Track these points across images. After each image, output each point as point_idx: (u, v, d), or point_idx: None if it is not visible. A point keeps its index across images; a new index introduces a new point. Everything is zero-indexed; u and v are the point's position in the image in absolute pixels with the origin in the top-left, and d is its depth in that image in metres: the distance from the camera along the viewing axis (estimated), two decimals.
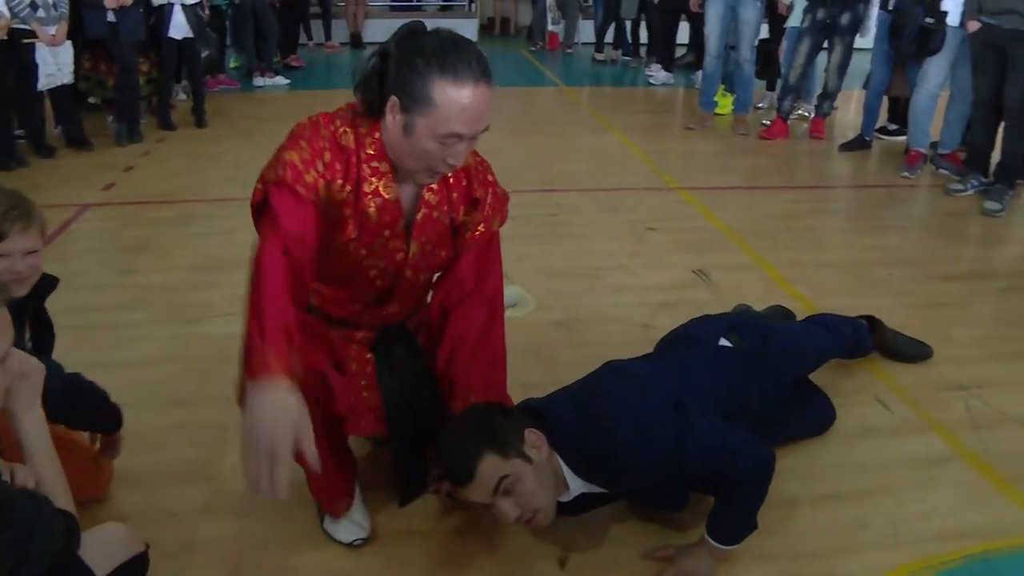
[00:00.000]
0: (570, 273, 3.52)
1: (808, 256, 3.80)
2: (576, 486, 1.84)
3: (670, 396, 1.85)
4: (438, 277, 1.95)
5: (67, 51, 5.04)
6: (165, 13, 5.70)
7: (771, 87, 7.00)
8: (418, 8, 11.44)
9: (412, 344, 1.98)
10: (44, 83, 4.94)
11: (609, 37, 9.62)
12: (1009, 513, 2.11)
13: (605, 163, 5.35)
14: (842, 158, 5.63)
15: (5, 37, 4.69)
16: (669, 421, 1.79)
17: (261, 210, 1.66)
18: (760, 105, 6.91)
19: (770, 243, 3.91)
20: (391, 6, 11.21)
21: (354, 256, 1.75)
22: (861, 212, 4.59)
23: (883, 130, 6.01)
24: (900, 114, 5.87)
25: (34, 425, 1.47)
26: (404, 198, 1.75)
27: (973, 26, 4.51)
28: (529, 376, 2.51)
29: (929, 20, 4.83)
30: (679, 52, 8.77)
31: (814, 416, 2.40)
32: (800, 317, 2.81)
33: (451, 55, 1.56)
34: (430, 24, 1.67)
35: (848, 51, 5.71)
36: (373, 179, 1.69)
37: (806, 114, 6.44)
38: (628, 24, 9.48)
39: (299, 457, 1.88)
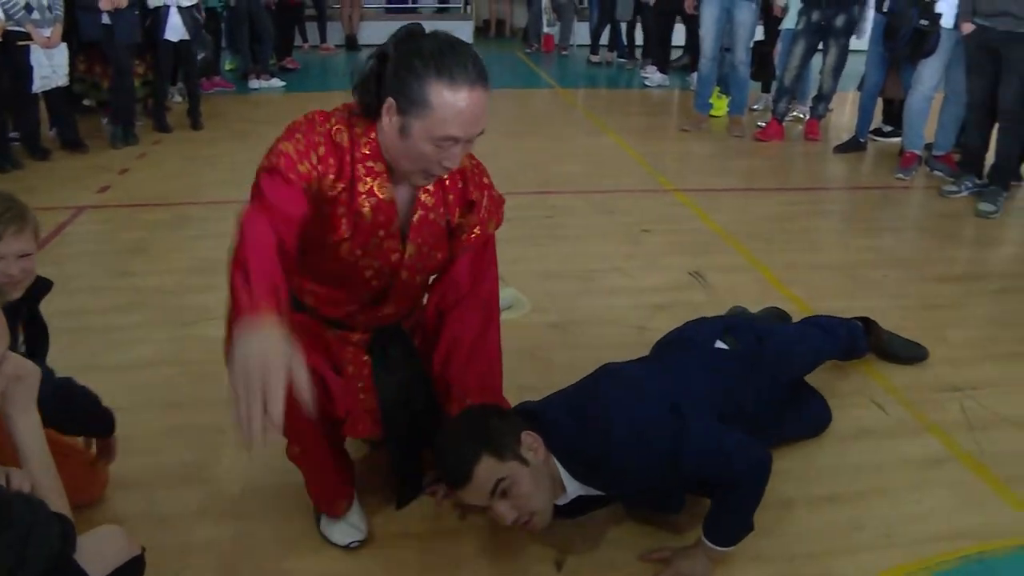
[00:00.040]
0: (565, 275, 3.52)
1: (803, 258, 3.80)
2: (573, 489, 1.85)
3: (666, 398, 1.85)
4: (434, 279, 1.95)
5: (62, 53, 5.02)
6: (161, 15, 5.70)
7: (766, 89, 7.01)
8: (413, 10, 11.44)
9: (408, 346, 1.98)
10: (39, 85, 4.93)
11: (604, 39, 9.63)
12: (1004, 514, 2.12)
13: (600, 165, 5.36)
14: (837, 160, 5.64)
15: (0, 39, 4.68)
16: (665, 423, 1.79)
17: None
18: (755, 107, 6.92)
19: (765, 245, 3.91)
20: (386, 8, 11.22)
21: (349, 256, 1.75)
22: (856, 214, 4.60)
23: (878, 132, 6.02)
24: (895, 116, 5.88)
25: (29, 428, 1.47)
26: (399, 199, 1.75)
27: (967, 28, 4.52)
28: (525, 378, 2.51)
29: (923, 22, 4.85)
30: (674, 54, 8.78)
31: (810, 418, 2.40)
32: (795, 319, 2.82)
33: (448, 58, 1.56)
34: (426, 26, 1.67)
35: (843, 53, 5.72)
36: (368, 179, 1.69)
37: (801, 116, 6.46)
38: (624, 26, 9.49)
39: (298, 458, 1.89)
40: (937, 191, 4.84)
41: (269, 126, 1.76)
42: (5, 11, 4.70)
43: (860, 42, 5.79)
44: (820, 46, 5.85)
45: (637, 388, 1.91)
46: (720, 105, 6.60)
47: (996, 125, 4.63)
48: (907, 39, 4.96)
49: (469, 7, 11.52)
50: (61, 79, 5.07)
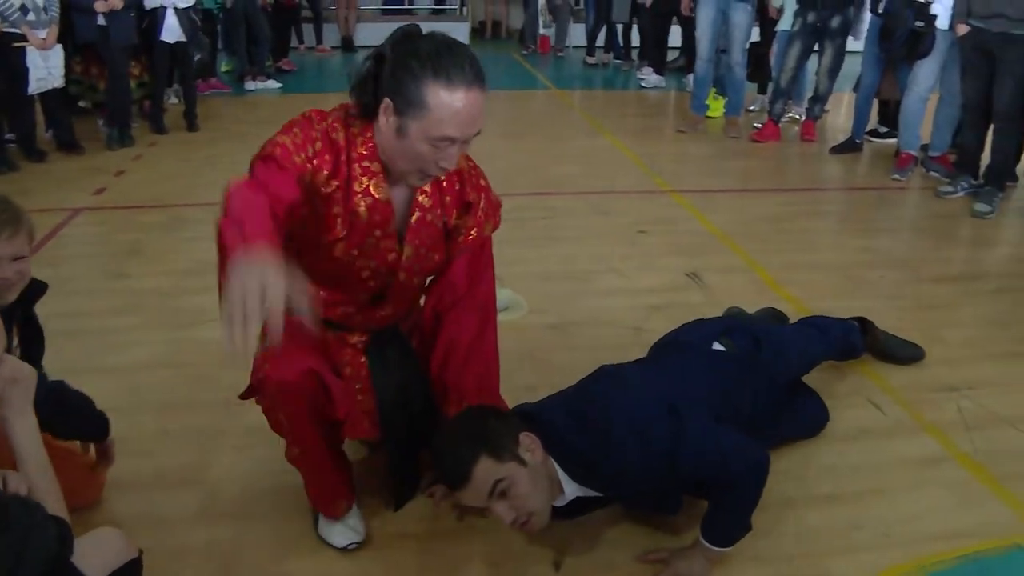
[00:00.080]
0: (563, 276, 3.53)
1: (800, 258, 3.81)
2: (571, 490, 1.85)
3: (664, 400, 1.85)
4: (431, 281, 1.95)
5: (57, 55, 5.02)
6: (158, 17, 5.69)
7: (762, 90, 7.02)
8: (409, 12, 11.44)
9: (406, 347, 1.98)
10: (35, 87, 4.92)
11: (601, 40, 9.64)
12: (1001, 513, 2.12)
13: (597, 166, 5.36)
14: (833, 160, 5.65)
15: None
16: (663, 425, 1.79)
17: None
18: (751, 108, 6.93)
19: (762, 245, 3.92)
20: (382, 9, 11.22)
21: (345, 256, 1.75)
22: (852, 214, 4.61)
23: (874, 133, 6.04)
24: (890, 117, 5.90)
25: (26, 431, 1.47)
26: (396, 199, 1.75)
27: (962, 30, 4.54)
28: (522, 379, 2.52)
29: (919, 23, 4.86)
30: (671, 55, 8.79)
31: (807, 418, 2.41)
32: (792, 319, 2.82)
33: (445, 59, 1.56)
34: (422, 27, 1.67)
35: (839, 54, 5.73)
36: (364, 178, 1.69)
37: (797, 117, 6.47)
38: (620, 27, 9.50)
39: (298, 460, 1.88)
40: (933, 192, 4.85)
41: (265, 127, 1.75)
42: (0, 13, 4.69)
43: (856, 43, 5.81)
44: (816, 47, 5.87)
45: (635, 389, 1.91)
46: (716, 106, 6.60)
47: (991, 126, 4.64)
48: (903, 40, 4.97)
49: (465, 8, 11.52)
50: (57, 81, 5.07)
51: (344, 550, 1.94)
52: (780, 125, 6.09)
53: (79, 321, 3.00)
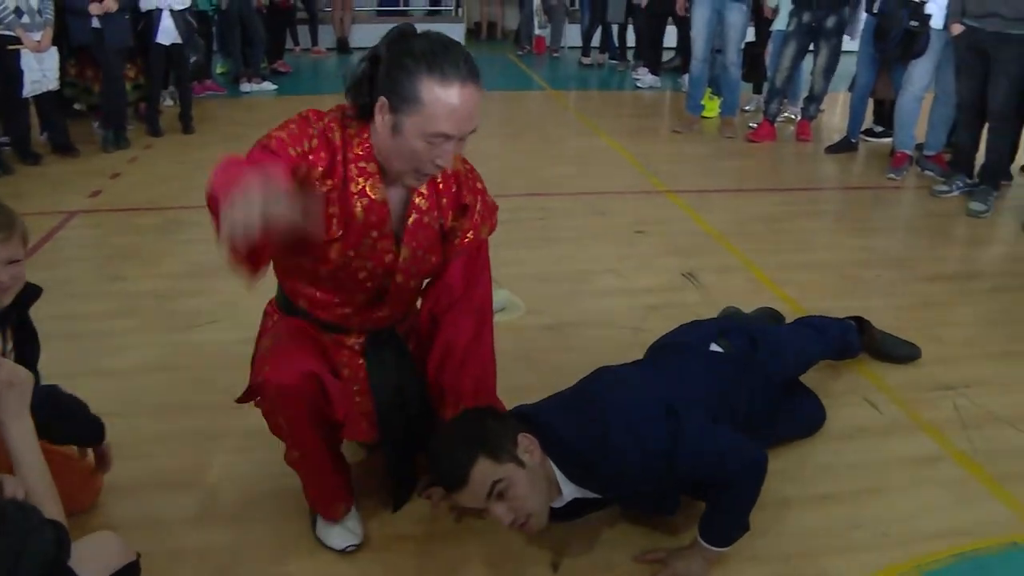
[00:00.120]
0: (559, 277, 3.53)
1: (796, 258, 3.81)
2: (569, 491, 1.85)
3: (662, 401, 1.85)
4: (427, 283, 1.95)
5: (52, 57, 5.01)
6: (153, 19, 5.68)
7: (758, 90, 7.03)
8: (404, 13, 11.43)
9: (403, 350, 1.98)
10: (29, 90, 4.91)
11: (596, 41, 9.64)
12: (998, 512, 2.13)
13: (593, 167, 5.37)
14: (828, 160, 5.66)
15: None
16: (661, 426, 1.80)
17: None
18: (747, 108, 6.94)
19: (758, 245, 3.93)
20: (378, 11, 11.21)
21: (341, 257, 1.74)
22: (848, 214, 4.62)
23: (869, 132, 6.04)
24: (885, 116, 5.91)
25: (23, 435, 1.46)
26: (392, 200, 1.75)
27: (956, 29, 4.55)
28: (520, 380, 2.52)
29: (913, 23, 4.87)
30: (666, 56, 8.79)
31: (804, 417, 2.41)
32: (788, 319, 2.83)
33: (440, 56, 1.56)
34: (417, 28, 1.67)
35: (834, 54, 5.74)
36: (360, 179, 1.69)
37: (793, 117, 6.47)
38: (615, 28, 9.50)
39: (297, 463, 1.88)
40: (928, 191, 4.86)
41: (261, 129, 1.75)
42: None
43: (851, 43, 5.82)
44: (811, 47, 5.88)
45: (633, 391, 1.91)
46: (712, 106, 6.61)
47: (986, 125, 4.65)
48: (897, 40, 4.98)
49: (460, 9, 11.52)
50: (52, 83, 5.06)
51: (342, 552, 1.93)
52: (776, 125, 6.10)
53: (75, 324, 3.00)
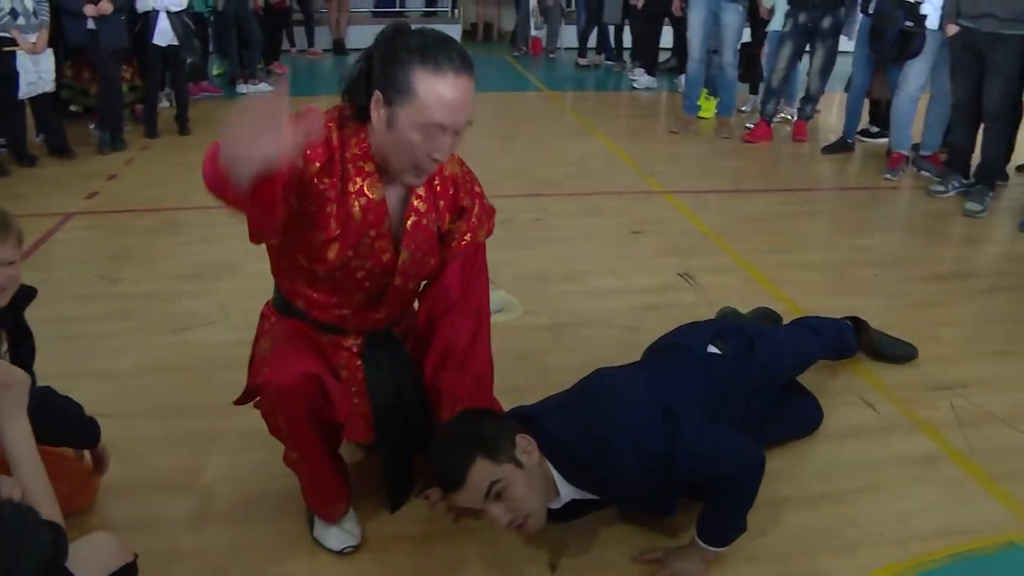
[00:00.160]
0: (557, 277, 3.53)
1: (792, 258, 3.82)
2: (567, 492, 1.85)
3: (659, 403, 1.85)
4: (425, 285, 1.95)
5: (48, 59, 4.99)
6: (150, 20, 5.67)
7: (754, 91, 7.04)
8: (401, 14, 11.42)
9: (400, 351, 1.98)
10: (25, 91, 4.90)
11: (592, 42, 9.64)
12: (995, 511, 2.13)
13: (590, 167, 5.37)
14: (825, 160, 5.67)
15: None
16: (659, 428, 1.80)
17: None
18: (743, 108, 6.95)
19: (754, 245, 3.93)
20: (374, 12, 11.21)
21: (339, 257, 1.74)
22: (844, 214, 4.62)
23: (865, 132, 6.06)
24: (881, 117, 5.92)
25: (19, 436, 1.46)
26: (390, 201, 1.75)
27: (952, 30, 4.56)
28: (518, 380, 2.52)
29: (909, 24, 4.88)
30: (662, 56, 8.80)
31: (801, 418, 2.41)
32: (785, 319, 2.83)
33: (433, 48, 1.57)
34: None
35: (830, 55, 5.75)
36: (358, 179, 1.69)
37: (789, 117, 6.48)
38: (611, 29, 9.51)
39: (296, 464, 1.88)
40: (924, 191, 4.87)
41: None
42: None
43: (847, 43, 5.83)
44: (807, 48, 5.89)
45: (631, 393, 1.91)
46: (708, 107, 6.62)
47: (981, 125, 4.66)
48: (893, 40, 5.00)
49: (457, 10, 11.52)
50: (48, 85, 5.05)
51: (340, 553, 1.93)
52: (772, 125, 6.10)
53: (71, 326, 2.99)
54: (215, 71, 8.21)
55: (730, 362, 2.17)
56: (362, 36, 9.75)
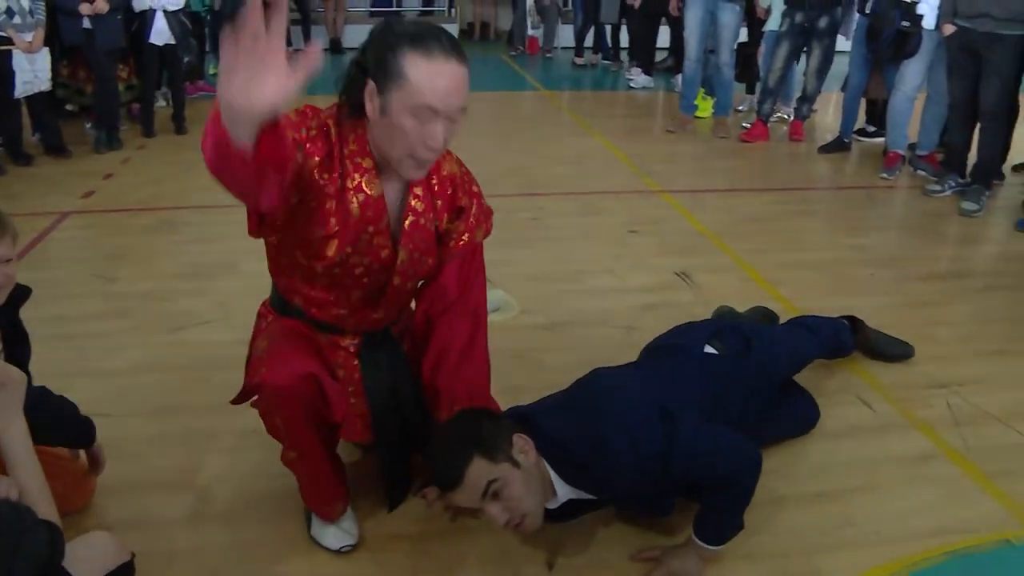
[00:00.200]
0: (553, 276, 3.53)
1: (789, 257, 3.82)
2: (564, 492, 1.85)
3: (656, 403, 1.85)
4: (422, 285, 1.95)
5: (44, 58, 4.98)
6: (147, 19, 5.66)
7: (751, 90, 7.04)
8: (397, 13, 11.42)
9: (397, 351, 1.98)
10: (21, 90, 4.89)
11: (589, 41, 9.65)
12: (990, 509, 2.14)
13: (587, 167, 5.37)
14: (821, 160, 5.68)
15: None
16: (656, 428, 1.80)
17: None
18: (740, 108, 6.96)
19: (751, 245, 3.93)
20: (370, 11, 11.21)
21: (339, 254, 1.74)
22: (841, 213, 4.63)
23: (862, 132, 6.07)
24: (878, 116, 5.93)
25: (16, 436, 1.46)
26: (389, 197, 1.75)
27: (948, 30, 4.57)
28: (515, 380, 2.52)
29: (905, 23, 4.89)
30: (659, 56, 8.81)
31: (798, 416, 2.42)
32: (782, 318, 2.84)
33: (423, 34, 1.57)
34: None
35: (826, 54, 5.76)
36: (356, 175, 1.69)
37: (786, 117, 6.50)
38: (608, 28, 9.52)
39: (294, 463, 1.88)
40: (921, 190, 4.88)
41: None
42: None
43: (844, 43, 5.83)
44: (804, 47, 5.89)
45: (628, 393, 1.91)
46: (705, 106, 6.63)
47: (978, 125, 4.67)
48: (889, 40, 5.00)
49: (453, 10, 11.53)
50: (44, 84, 5.04)
51: (338, 552, 1.93)
52: (769, 125, 6.11)
53: (68, 325, 2.99)
54: (212, 70, 8.19)
55: (727, 362, 2.18)
56: (359, 35, 9.70)
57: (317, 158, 1.64)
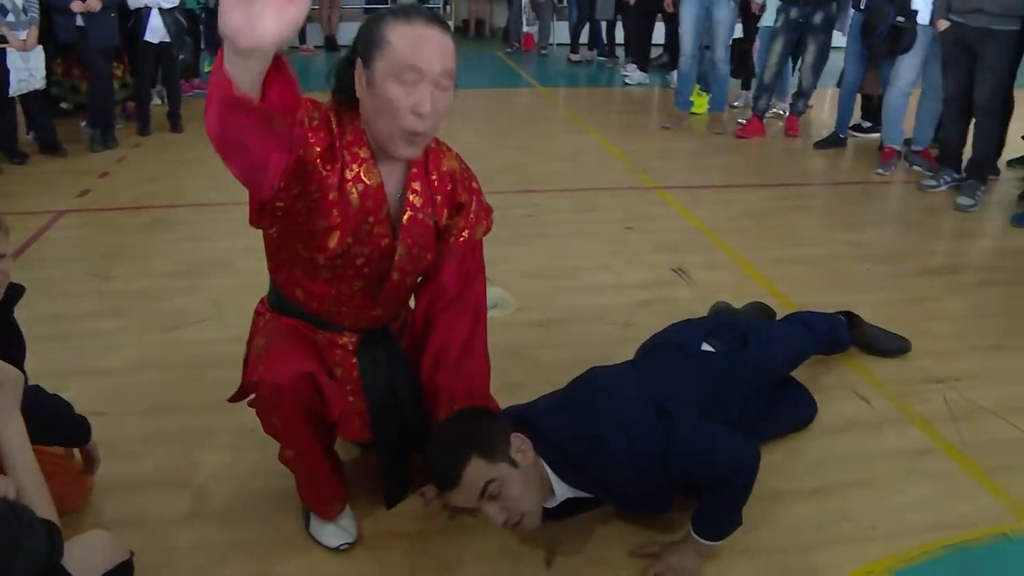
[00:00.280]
0: (550, 273, 3.53)
1: (785, 253, 3.83)
2: (562, 491, 1.85)
3: (653, 402, 1.86)
4: (421, 282, 1.95)
5: (38, 56, 4.97)
6: (142, 17, 5.65)
7: (746, 86, 7.05)
8: None
9: (395, 348, 1.98)
10: (15, 89, 4.87)
11: (584, 38, 9.64)
12: (987, 503, 2.14)
13: (582, 163, 5.37)
14: (817, 155, 5.69)
15: None
16: (654, 427, 1.80)
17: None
18: (735, 104, 6.96)
19: (747, 241, 3.94)
20: (365, 8, 11.18)
21: (340, 244, 1.73)
22: (837, 209, 4.63)
23: (857, 127, 6.07)
24: (873, 112, 5.94)
25: (13, 435, 1.46)
26: (388, 186, 1.75)
27: (943, 25, 4.57)
28: (512, 377, 2.52)
29: (900, 19, 4.90)
30: (654, 52, 8.81)
31: (795, 412, 2.42)
32: (778, 314, 2.84)
33: (405, 7, 1.60)
34: None
35: (821, 50, 5.76)
36: (355, 165, 1.69)
37: (781, 112, 6.50)
38: (603, 25, 9.51)
39: (291, 461, 1.88)
40: (916, 186, 4.89)
41: None
42: None
43: (839, 38, 5.84)
44: (799, 43, 5.90)
45: (625, 391, 1.91)
46: (700, 103, 6.63)
47: (972, 120, 4.68)
48: (884, 36, 5.01)
49: (448, 7, 11.50)
50: (38, 82, 5.02)
51: (336, 550, 1.93)
52: (764, 121, 6.12)
53: (63, 324, 2.98)
54: (207, 68, 8.18)
55: (724, 359, 2.18)
56: (353, 32, 9.60)
57: (319, 148, 1.64)
